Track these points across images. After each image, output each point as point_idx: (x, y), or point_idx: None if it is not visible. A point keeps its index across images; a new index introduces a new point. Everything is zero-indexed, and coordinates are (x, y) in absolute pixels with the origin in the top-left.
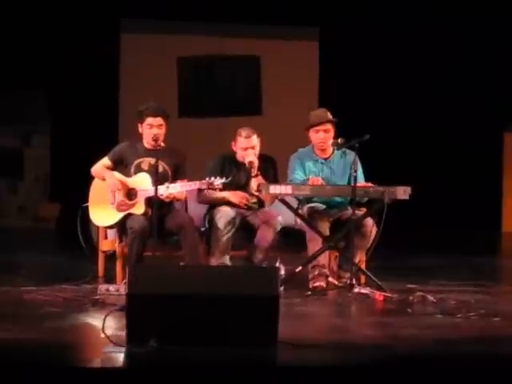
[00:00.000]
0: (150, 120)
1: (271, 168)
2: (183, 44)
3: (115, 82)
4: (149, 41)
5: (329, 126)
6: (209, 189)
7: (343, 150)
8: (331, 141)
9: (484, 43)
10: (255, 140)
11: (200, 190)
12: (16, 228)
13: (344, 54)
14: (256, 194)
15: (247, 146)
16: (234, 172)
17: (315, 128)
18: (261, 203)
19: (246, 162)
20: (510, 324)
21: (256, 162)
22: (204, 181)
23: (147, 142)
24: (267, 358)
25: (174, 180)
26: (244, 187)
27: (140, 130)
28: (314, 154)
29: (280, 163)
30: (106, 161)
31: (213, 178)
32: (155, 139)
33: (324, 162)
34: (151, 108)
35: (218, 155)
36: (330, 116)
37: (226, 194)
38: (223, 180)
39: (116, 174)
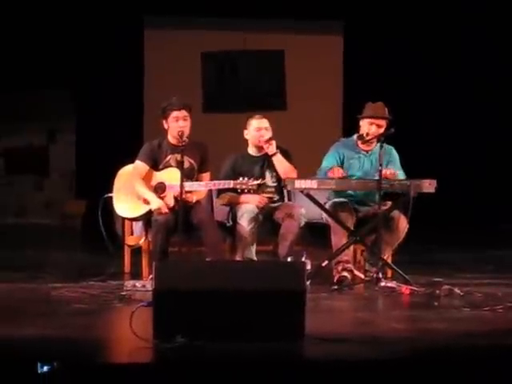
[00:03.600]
0: (175, 113)
1: (287, 158)
2: (207, 39)
3: (140, 79)
4: (173, 37)
5: (382, 122)
6: (242, 189)
7: (382, 143)
8: None
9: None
10: (267, 123)
11: (222, 192)
12: (42, 225)
13: (368, 49)
14: (273, 184)
15: (261, 127)
16: (247, 168)
17: (370, 120)
18: (282, 193)
19: (263, 140)
20: None
21: (273, 140)
22: (238, 181)
23: (173, 137)
24: (295, 352)
25: (199, 173)
26: (260, 179)
27: (165, 125)
28: (356, 146)
29: (304, 157)
30: (142, 167)
31: (246, 179)
32: (181, 134)
33: (366, 154)
34: (175, 102)
35: (230, 156)
36: (387, 112)
37: (245, 199)
38: (257, 182)
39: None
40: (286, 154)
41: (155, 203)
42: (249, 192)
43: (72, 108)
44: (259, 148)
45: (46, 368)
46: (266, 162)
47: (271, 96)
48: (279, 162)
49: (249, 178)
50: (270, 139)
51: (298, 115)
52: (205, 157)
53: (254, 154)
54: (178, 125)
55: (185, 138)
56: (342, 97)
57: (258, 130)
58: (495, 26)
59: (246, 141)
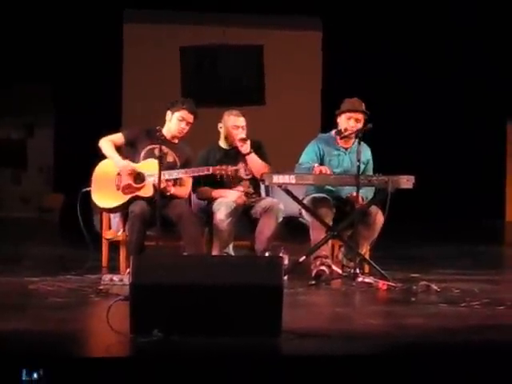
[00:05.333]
0: (184, 113)
1: (259, 151)
2: (186, 34)
3: (119, 73)
4: (151, 31)
5: (360, 116)
6: (222, 175)
7: (360, 139)
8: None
9: (487, 33)
10: (244, 122)
11: (198, 187)
12: (20, 219)
13: (347, 44)
14: (247, 177)
15: (238, 125)
16: (219, 160)
17: (348, 114)
18: (256, 188)
19: (238, 138)
20: None
21: (248, 140)
22: (217, 167)
23: (168, 130)
24: (271, 348)
25: None
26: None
27: (168, 117)
28: (335, 143)
29: (282, 152)
30: (118, 136)
31: (225, 166)
32: (179, 133)
33: (345, 151)
34: (188, 103)
35: (203, 150)
36: (363, 107)
37: (224, 193)
38: (237, 167)
39: (120, 159)
40: (259, 146)
41: (120, 163)
42: (228, 178)
43: (50, 102)
44: (231, 142)
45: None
46: (237, 154)
47: (250, 91)
48: (252, 161)
49: (216, 176)
50: (245, 139)
51: (276, 110)
52: (190, 159)
53: (225, 147)
54: (179, 124)
55: (179, 139)
56: (320, 92)
57: (235, 128)
58: (475, 21)
59: (219, 133)
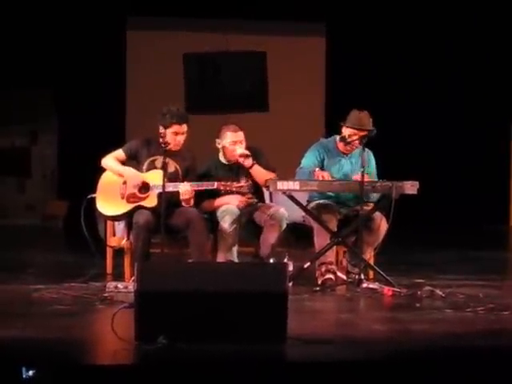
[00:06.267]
0: (175, 127)
1: (260, 158)
2: (189, 41)
3: (122, 80)
4: (155, 38)
5: (365, 133)
6: (226, 190)
7: (364, 145)
8: None
9: (489, 35)
10: (242, 136)
11: (201, 200)
12: (24, 226)
13: (351, 51)
14: (250, 191)
15: (236, 140)
16: (221, 175)
17: (353, 131)
18: (260, 197)
19: (238, 154)
20: None
21: (247, 152)
22: (222, 182)
23: (168, 143)
24: (277, 354)
25: (183, 180)
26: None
27: (161, 130)
28: (336, 148)
29: (285, 158)
30: (119, 153)
31: (230, 182)
32: (179, 146)
33: (345, 157)
34: (177, 115)
35: (203, 165)
36: (370, 125)
37: (226, 200)
38: (241, 184)
39: (129, 169)
40: (259, 153)
41: (128, 173)
42: (232, 193)
43: (54, 109)
44: (231, 157)
45: (30, 372)
46: (239, 169)
47: (253, 97)
48: (257, 172)
49: (232, 181)
50: (246, 154)
51: (279, 116)
52: (192, 167)
53: (225, 163)
54: (175, 138)
55: (179, 147)
56: (324, 98)
57: (233, 144)
58: (477, 22)
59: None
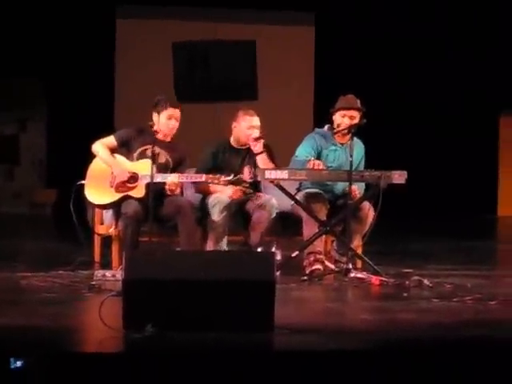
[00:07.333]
0: (171, 111)
1: (269, 153)
2: (178, 29)
3: (111, 68)
4: (144, 26)
5: (355, 113)
6: (213, 183)
7: (353, 134)
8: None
9: (478, 27)
10: (258, 121)
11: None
12: (12, 214)
13: (340, 40)
14: (249, 180)
15: (254, 125)
16: (228, 158)
17: (342, 112)
18: (256, 187)
19: (252, 137)
20: (505, 308)
21: (262, 139)
22: (211, 175)
23: (161, 131)
24: (264, 343)
25: (173, 172)
26: (237, 172)
27: (155, 118)
28: (332, 138)
29: (275, 146)
30: (111, 140)
31: (218, 175)
32: (171, 131)
33: (341, 146)
34: (173, 101)
35: (212, 143)
36: (359, 104)
37: (219, 188)
38: (230, 178)
39: (119, 157)
40: (268, 149)
41: (115, 169)
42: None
43: (43, 97)
44: (244, 142)
45: (18, 363)
46: (247, 156)
47: (242, 86)
48: (263, 160)
49: (221, 173)
50: (260, 138)
51: (269, 105)
52: (183, 159)
53: (236, 146)
54: (169, 122)
55: (171, 136)
56: (313, 87)
57: (250, 128)
58: (465, 20)
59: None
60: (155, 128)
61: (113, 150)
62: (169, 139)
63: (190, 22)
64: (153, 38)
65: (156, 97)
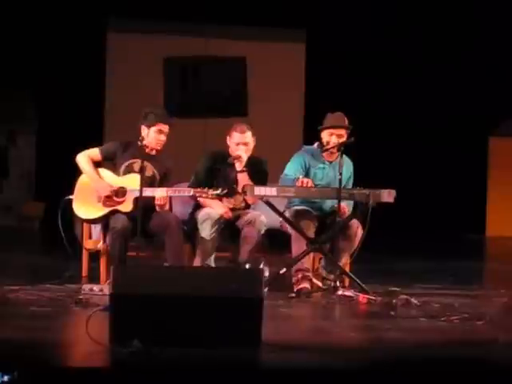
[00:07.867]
0: (160, 126)
1: (257, 167)
2: (170, 44)
3: (101, 82)
4: (135, 41)
5: (343, 132)
6: (201, 197)
7: (342, 152)
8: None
9: (469, 48)
10: (249, 137)
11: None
12: (0, 227)
13: (331, 57)
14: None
15: (239, 142)
16: (222, 171)
17: (330, 131)
18: (247, 204)
19: (233, 155)
20: (493, 328)
21: (244, 158)
22: (199, 189)
23: (147, 145)
24: (251, 360)
25: (160, 186)
26: (231, 184)
27: (143, 132)
28: (320, 155)
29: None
30: (95, 152)
31: (206, 189)
32: (159, 146)
33: (329, 164)
34: (163, 115)
35: (208, 153)
36: (346, 122)
37: (211, 204)
38: (218, 192)
39: (105, 171)
40: (259, 164)
41: (98, 185)
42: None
43: (33, 109)
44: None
45: (6, 377)
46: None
47: (232, 102)
48: (241, 179)
49: (217, 185)
50: (239, 157)
51: (258, 121)
52: (168, 173)
53: (230, 160)
54: (159, 137)
55: (158, 151)
56: (303, 104)
57: (237, 145)
58: (457, 36)
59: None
60: (145, 142)
61: (97, 163)
62: (154, 152)
63: (181, 37)
64: (143, 52)
65: (143, 109)
